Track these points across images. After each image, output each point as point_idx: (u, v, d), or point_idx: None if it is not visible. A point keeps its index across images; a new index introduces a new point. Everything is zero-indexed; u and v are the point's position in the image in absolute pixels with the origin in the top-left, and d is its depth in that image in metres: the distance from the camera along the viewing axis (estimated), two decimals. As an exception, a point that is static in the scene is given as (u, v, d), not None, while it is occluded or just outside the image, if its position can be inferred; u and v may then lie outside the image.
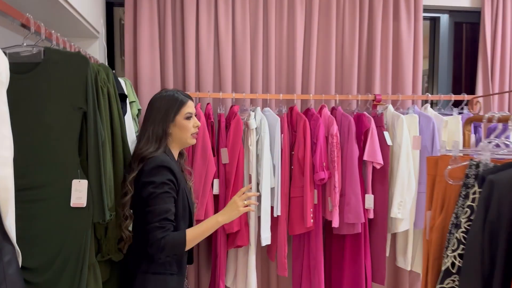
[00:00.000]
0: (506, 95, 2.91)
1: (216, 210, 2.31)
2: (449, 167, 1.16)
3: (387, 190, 2.47)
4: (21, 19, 1.31)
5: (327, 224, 2.53)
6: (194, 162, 2.21)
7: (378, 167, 2.42)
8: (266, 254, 2.67)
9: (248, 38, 2.65)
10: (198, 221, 2.23)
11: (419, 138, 2.46)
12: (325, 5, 2.71)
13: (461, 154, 1.17)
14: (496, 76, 2.89)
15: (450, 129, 2.52)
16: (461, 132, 2.50)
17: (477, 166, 1.07)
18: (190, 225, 1.64)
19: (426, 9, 2.88)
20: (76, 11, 1.85)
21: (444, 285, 1.05)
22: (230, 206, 1.57)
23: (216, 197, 2.35)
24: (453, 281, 1.03)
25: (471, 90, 3.27)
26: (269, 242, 2.37)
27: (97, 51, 2.38)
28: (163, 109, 1.64)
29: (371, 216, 2.47)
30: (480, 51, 2.92)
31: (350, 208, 2.38)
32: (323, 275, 2.45)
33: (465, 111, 2.60)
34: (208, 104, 2.45)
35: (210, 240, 2.55)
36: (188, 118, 1.66)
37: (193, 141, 1.71)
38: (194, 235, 1.51)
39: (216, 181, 2.32)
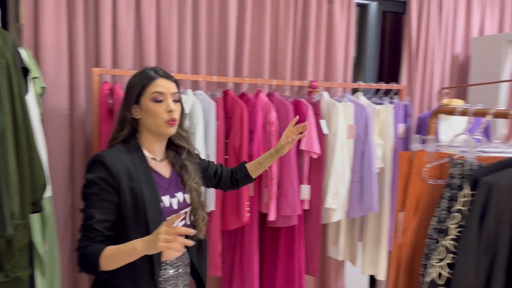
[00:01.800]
0: (427, 84, 3.02)
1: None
2: (428, 165, 1.06)
3: (322, 180, 2.40)
4: None
5: (260, 216, 2.39)
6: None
7: (315, 156, 2.33)
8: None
9: (175, 11, 2.34)
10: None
11: (354, 127, 2.42)
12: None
13: (437, 150, 1.08)
14: (419, 65, 2.97)
15: (382, 119, 2.53)
16: (392, 121, 2.52)
17: (462, 164, 0.99)
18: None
19: (357, -4, 2.85)
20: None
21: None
22: (152, 237, 1.12)
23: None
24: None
25: (394, 78, 3.35)
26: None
27: (-16, 13, 1.89)
28: (128, 88, 1.35)
29: (307, 207, 2.39)
30: (405, 40, 2.98)
31: (287, 200, 2.26)
32: (257, 271, 2.31)
33: (395, 100, 2.62)
34: (130, 84, 2.11)
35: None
36: (156, 99, 1.31)
37: (169, 130, 1.34)
38: (110, 256, 1.18)
39: (141, 174, 2.02)
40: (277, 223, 2.31)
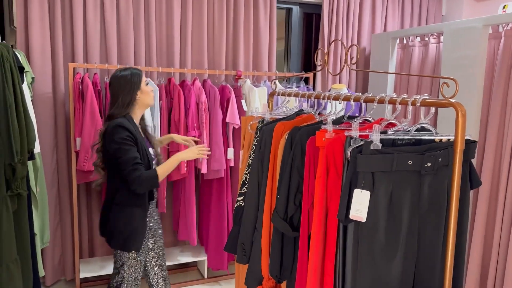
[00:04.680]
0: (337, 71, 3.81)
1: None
2: (251, 122, 1.89)
3: (244, 144, 3.23)
4: None
5: (199, 172, 3.21)
6: (83, 123, 2.69)
7: (237, 127, 3.15)
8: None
9: (131, 17, 3.11)
10: (88, 172, 2.76)
11: (267, 105, 3.23)
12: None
13: (260, 115, 1.90)
14: (331, 58, 3.78)
15: (291, 100, 3.33)
16: (295, 101, 3.33)
17: (263, 121, 1.81)
18: (149, 169, 2.10)
19: (280, 1, 3.63)
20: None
21: (242, 191, 1.79)
22: (189, 151, 2.19)
23: (105, 151, 2.86)
24: (247, 188, 1.77)
25: (315, 68, 4.14)
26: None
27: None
28: (129, 82, 2.12)
29: (232, 164, 3.22)
30: (320, 36, 3.77)
31: (215, 158, 3.09)
32: (195, 213, 3.15)
33: (302, 85, 3.43)
34: (95, 74, 2.90)
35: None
36: (147, 84, 2.24)
37: (153, 102, 2.28)
38: (162, 171, 2.07)
39: (104, 139, 2.82)
40: (209, 176, 3.14)
